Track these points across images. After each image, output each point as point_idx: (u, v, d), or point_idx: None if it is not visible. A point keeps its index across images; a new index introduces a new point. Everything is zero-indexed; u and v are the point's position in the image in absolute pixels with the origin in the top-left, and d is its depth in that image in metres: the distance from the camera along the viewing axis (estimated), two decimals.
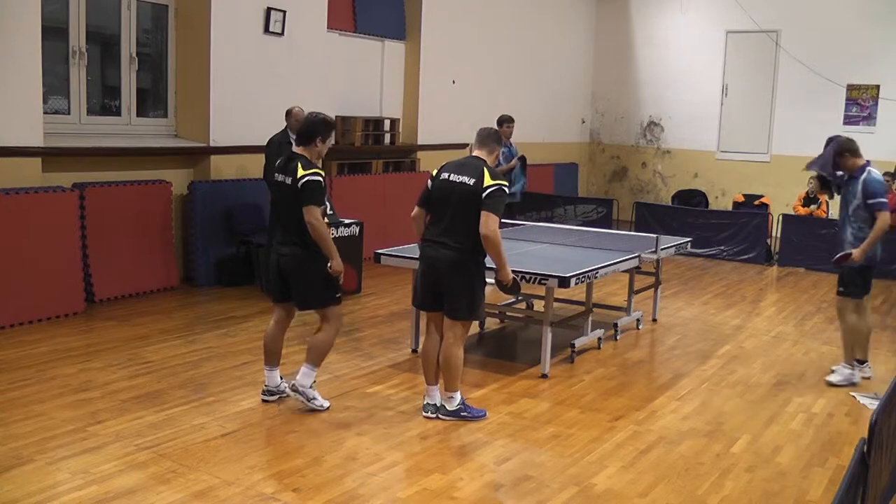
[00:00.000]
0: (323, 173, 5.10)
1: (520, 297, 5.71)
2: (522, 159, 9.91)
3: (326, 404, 5.31)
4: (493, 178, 5.02)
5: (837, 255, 6.30)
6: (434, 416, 5.30)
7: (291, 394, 5.27)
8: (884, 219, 6.09)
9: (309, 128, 5.19)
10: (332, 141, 5.28)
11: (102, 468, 4.34)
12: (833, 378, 6.44)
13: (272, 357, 5.45)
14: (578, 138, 16.51)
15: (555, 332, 6.31)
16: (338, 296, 5.28)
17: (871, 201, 6.14)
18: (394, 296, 8.66)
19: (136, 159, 8.30)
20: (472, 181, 5.02)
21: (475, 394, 5.75)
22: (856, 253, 6.14)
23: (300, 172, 5.00)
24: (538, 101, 14.77)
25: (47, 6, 7.44)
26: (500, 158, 9.49)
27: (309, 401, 5.23)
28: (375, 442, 4.86)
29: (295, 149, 5.24)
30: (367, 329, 7.43)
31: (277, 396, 5.50)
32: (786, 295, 9.79)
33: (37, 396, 5.35)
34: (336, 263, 5.12)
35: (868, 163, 6.32)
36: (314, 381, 5.28)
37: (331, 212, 6.85)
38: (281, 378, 5.52)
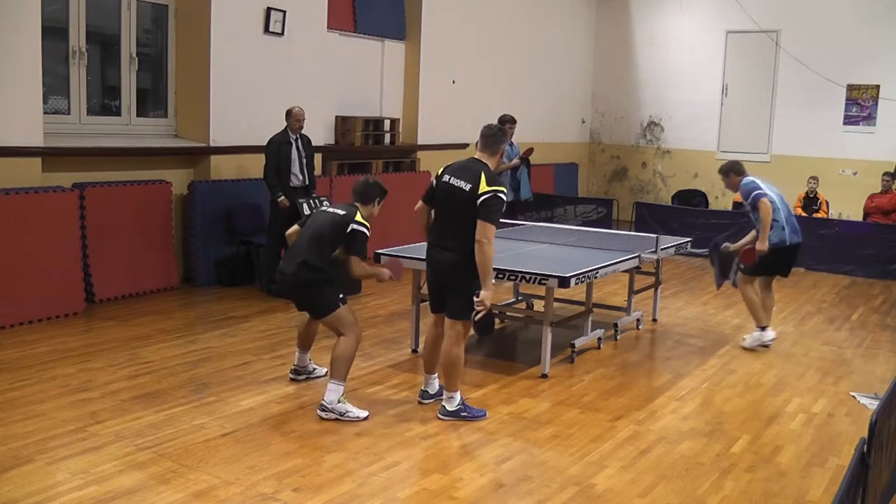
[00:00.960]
0: (370, 229, 5.28)
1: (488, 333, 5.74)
2: (526, 161, 9.85)
3: (363, 414, 5.19)
4: (488, 184, 4.99)
5: (742, 253, 7.16)
6: (428, 402, 5.43)
7: (322, 414, 5.17)
8: (764, 206, 6.91)
9: (369, 190, 5.43)
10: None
11: (102, 468, 4.34)
12: (744, 343, 7.33)
13: (303, 342, 5.79)
14: (578, 138, 16.51)
15: (555, 332, 6.31)
16: (341, 296, 5.33)
17: (749, 200, 7.05)
18: (394, 296, 8.66)
19: (136, 159, 8.30)
20: (468, 187, 5.04)
21: (475, 394, 5.75)
22: (759, 245, 6.98)
23: (358, 218, 5.23)
24: (538, 101, 14.76)
25: (47, 6, 7.44)
26: (504, 158, 9.50)
27: (342, 416, 5.14)
28: (375, 442, 4.86)
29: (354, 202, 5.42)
30: (367, 329, 7.42)
31: (304, 377, 5.81)
32: (786, 295, 9.78)
33: (37, 396, 5.35)
34: (381, 273, 5.50)
35: (746, 175, 7.26)
36: (343, 395, 5.21)
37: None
38: (310, 360, 5.87)
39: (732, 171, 7.34)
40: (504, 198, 5.04)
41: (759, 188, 7.08)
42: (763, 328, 7.29)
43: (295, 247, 5.39)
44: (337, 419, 5.14)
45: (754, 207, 7.03)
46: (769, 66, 14.52)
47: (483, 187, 4.97)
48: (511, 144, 9.60)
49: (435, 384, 5.55)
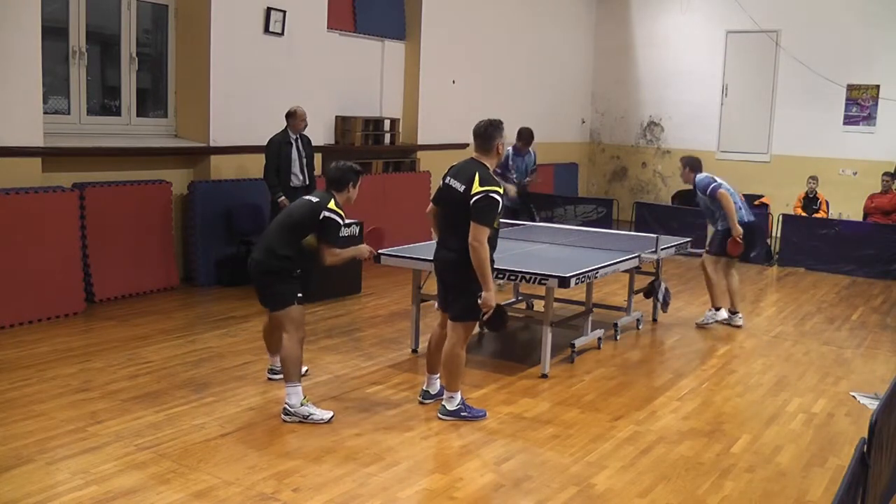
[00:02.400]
0: (344, 216, 5.18)
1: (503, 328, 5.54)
2: (525, 193, 9.75)
3: (327, 416, 5.14)
4: (481, 184, 4.98)
5: (730, 245, 7.82)
6: (429, 402, 5.46)
7: (286, 417, 5.11)
8: (724, 197, 7.69)
9: (342, 175, 5.30)
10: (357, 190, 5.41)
11: (102, 468, 4.34)
12: (699, 320, 8.07)
13: (271, 346, 5.71)
14: (578, 138, 16.51)
15: (555, 332, 6.31)
16: (299, 295, 5.25)
17: (708, 192, 7.77)
18: (394, 296, 8.66)
19: (136, 159, 8.30)
20: (463, 188, 5.05)
21: (475, 394, 5.75)
22: (734, 232, 7.70)
23: (331, 206, 5.11)
24: (538, 101, 14.75)
25: (47, 6, 7.44)
26: (513, 172, 9.45)
27: (305, 418, 5.09)
28: (375, 442, 4.86)
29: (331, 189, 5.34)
30: (367, 329, 7.43)
31: (281, 376, 5.68)
32: (786, 295, 9.79)
33: (37, 396, 5.35)
34: (360, 252, 5.45)
35: (700, 172, 7.96)
36: (304, 398, 5.16)
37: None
38: None
39: (689, 166, 8.01)
40: (498, 198, 5.01)
41: (715, 181, 7.81)
42: (718, 308, 8.04)
43: (265, 233, 5.36)
44: (301, 422, 5.09)
45: (713, 199, 7.75)
46: (769, 66, 14.51)
47: (476, 188, 4.97)
48: (524, 154, 9.64)
49: (436, 384, 5.55)
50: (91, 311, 7.47)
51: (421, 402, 5.51)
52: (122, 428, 4.89)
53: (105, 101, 8.57)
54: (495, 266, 5.44)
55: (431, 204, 5.47)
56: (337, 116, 10.75)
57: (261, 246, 5.27)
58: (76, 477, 4.23)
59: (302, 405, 5.12)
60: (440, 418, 5.26)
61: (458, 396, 5.28)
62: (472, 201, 4.97)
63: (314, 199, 5.21)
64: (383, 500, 4.16)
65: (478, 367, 6.40)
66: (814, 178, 12.39)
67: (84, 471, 4.30)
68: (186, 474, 4.32)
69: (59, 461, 4.41)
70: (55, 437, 4.71)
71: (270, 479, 4.33)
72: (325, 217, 5.07)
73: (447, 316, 5.35)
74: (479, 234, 4.95)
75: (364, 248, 5.50)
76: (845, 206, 13.26)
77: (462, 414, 5.26)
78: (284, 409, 5.14)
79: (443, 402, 5.32)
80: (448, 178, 5.25)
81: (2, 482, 4.14)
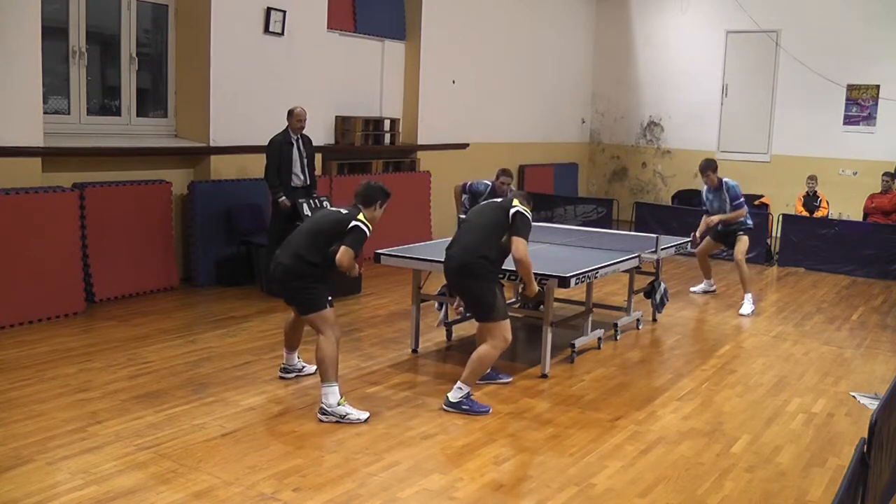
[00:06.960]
0: (371, 230, 5.27)
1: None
2: None
3: (364, 416, 5.15)
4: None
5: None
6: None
7: (322, 417, 5.14)
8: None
9: (371, 193, 5.41)
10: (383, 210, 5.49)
11: (102, 468, 4.34)
12: (744, 310, 8.61)
13: (290, 343, 5.83)
14: (578, 138, 16.51)
15: (555, 332, 6.31)
16: (329, 298, 5.32)
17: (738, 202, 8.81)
18: (394, 296, 8.66)
19: (136, 159, 8.30)
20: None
21: (475, 394, 5.73)
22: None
23: (360, 217, 5.21)
24: (538, 101, 14.76)
25: (47, 6, 7.43)
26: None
27: (343, 418, 5.11)
28: (375, 442, 4.87)
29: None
30: (367, 329, 7.43)
31: (294, 375, 5.88)
32: (786, 295, 9.79)
33: (37, 396, 5.35)
34: (355, 270, 5.43)
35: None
36: (341, 397, 5.19)
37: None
38: (298, 358, 5.93)
39: (710, 169, 8.70)
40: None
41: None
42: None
43: (291, 239, 5.39)
44: (338, 422, 5.12)
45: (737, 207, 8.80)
46: (769, 66, 14.51)
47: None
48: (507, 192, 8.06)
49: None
50: (91, 311, 7.47)
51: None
52: (122, 428, 4.89)
53: (105, 101, 8.57)
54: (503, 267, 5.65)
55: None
56: (337, 116, 10.75)
57: (287, 251, 5.31)
58: (76, 477, 4.23)
59: (339, 405, 5.14)
60: (443, 409, 5.30)
61: (465, 389, 5.33)
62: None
63: (343, 211, 5.33)
64: (383, 500, 4.16)
65: None
66: (812, 178, 12.40)
67: (84, 471, 4.30)
68: (186, 474, 4.32)
69: (59, 461, 4.41)
70: (55, 437, 4.71)
71: (270, 479, 4.33)
72: (354, 225, 5.18)
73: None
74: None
75: (357, 269, 5.54)
76: (845, 206, 13.26)
77: (463, 407, 5.31)
78: (321, 408, 5.17)
79: (447, 394, 5.38)
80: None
81: (2, 482, 4.14)
